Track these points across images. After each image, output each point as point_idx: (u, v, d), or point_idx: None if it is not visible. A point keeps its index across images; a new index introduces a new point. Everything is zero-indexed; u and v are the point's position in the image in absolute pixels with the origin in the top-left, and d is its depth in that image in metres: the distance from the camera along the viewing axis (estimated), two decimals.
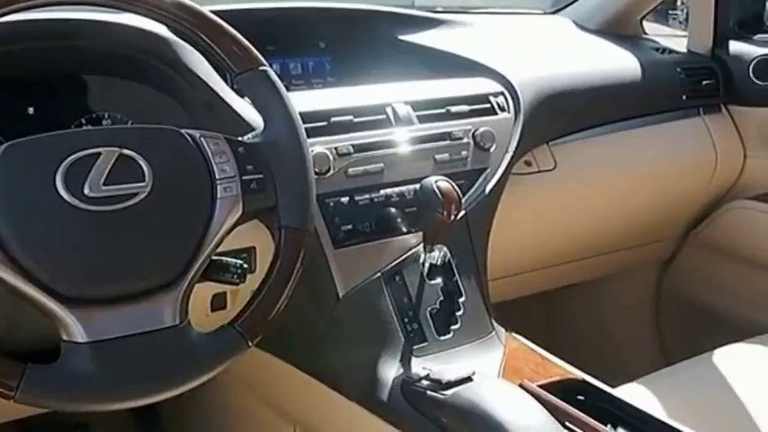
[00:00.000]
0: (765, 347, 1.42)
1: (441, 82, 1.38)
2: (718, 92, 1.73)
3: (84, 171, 0.84)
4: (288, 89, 1.00)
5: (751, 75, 1.71)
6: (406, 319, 1.15)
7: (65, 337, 0.82)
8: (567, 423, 1.03)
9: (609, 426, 1.03)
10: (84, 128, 1.13)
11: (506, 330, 1.25)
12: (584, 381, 1.15)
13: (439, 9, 1.80)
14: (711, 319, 1.80)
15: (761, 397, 1.28)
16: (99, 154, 0.85)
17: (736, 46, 1.76)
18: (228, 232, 0.91)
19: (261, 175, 0.93)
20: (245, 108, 1.11)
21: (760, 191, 1.73)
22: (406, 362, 1.13)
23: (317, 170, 1.13)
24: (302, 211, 0.95)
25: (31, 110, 1.13)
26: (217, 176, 0.90)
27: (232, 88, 1.14)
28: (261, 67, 0.97)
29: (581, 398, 1.13)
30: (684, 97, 1.69)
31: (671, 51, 1.78)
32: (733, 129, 1.74)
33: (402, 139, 1.24)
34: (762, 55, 1.71)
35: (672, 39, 1.89)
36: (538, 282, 1.73)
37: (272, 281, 0.93)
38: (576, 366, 1.19)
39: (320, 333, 1.17)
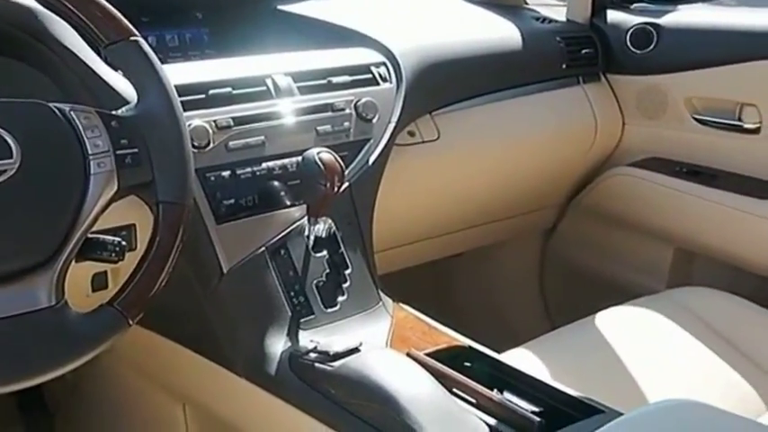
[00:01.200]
0: (645, 309, 1.46)
1: (322, 53, 1.36)
2: (596, 60, 1.77)
3: None
4: (165, 62, 0.98)
5: (628, 43, 1.74)
6: (292, 293, 1.14)
7: None
8: (453, 389, 1.05)
9: (495, 390, 1.04)
10: None
11: (393, 301, 1.26)
12: (470, 347, 1.16)
13: None
14: (594, 283, 1.85)
15: (639, 357, 1.32)
16: None
17: (613, 15, 1.80)
18: (104, 209, 0.89)
19: (136, 150, 0.90)
20: (117, 81, 1.06)
21: (638, 157, 1.78)
22: (293, 335, 1.12)
23: (196, 144, 1.11)
24: (180, 185, 0.93)
25: None
26: (89, 152, 0.87)
27: (105, 61, 1.10)
28: (132, 38, 0.94)
29: (468, 364, 1.14)
30: (564, 66, 1.71)
31: (551, 21, 1.80)
32: (612, 97, 1.78)
33: (283, 111, 1.22)
34: (638, 24, 1.74)
35: (552, 8, 1.92)
36: (425, 251, 1.74)
37: (151, 257, 0.91)
38: (465, 333, 1.20)
39: (205, 309, 1.15)
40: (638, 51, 1.73)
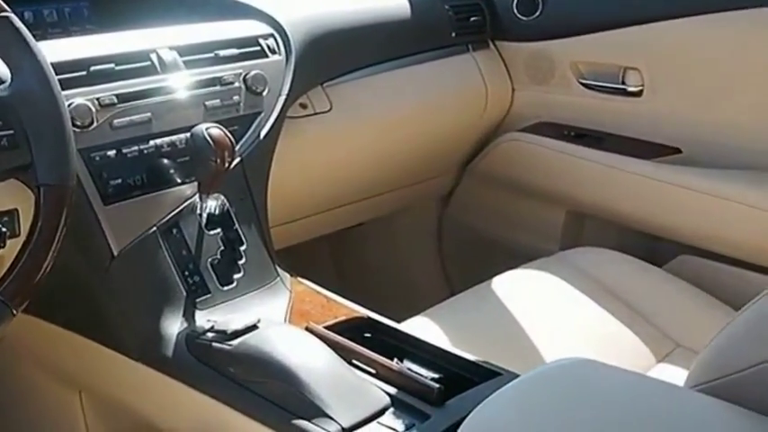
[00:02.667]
0: (539, 272, 1.49)
1: (207, 25, 1.33)
2: (485, 28, 1.78)
3: None
4: (44, 38, 0.94)
5: (515, 10, 1.76)
6: (186, 272, 1.13)
7: None
8: (353, 361, 1.05)
9: (395, 359, 1.05)
10: None
11: (291, 275, 1.25)
12: (369, 318, 1.17)
13: None
14: (491, 247, 1.88)
15: (535, 319, 1.35)
16: None
17: None
18: None
19: (11, 131, 0.88)
20: None
21: (528, 122, 1.81)
22: (189, 315, 1.10)
23: (78, 123, 1.07)
24: (60, 167, 0.90)
25: None
26: None
27: None
28: (2, 14, 0.90)
29: (368, 335, 1.15)
30: (453, 34, 1.72)
31: None
32: (501, 64, 1.81)
33: (169, 86, 1.19)
34: None
35: None
36: (324, 224, 1.74)
37: (34, 243, 0.89)
38: (366, 305, 1.21)
39: (96, 294, 1.12)
40: (525, 18, 1.76)
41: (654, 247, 1.72)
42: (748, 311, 0.79)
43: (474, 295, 1.43)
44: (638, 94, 1.66)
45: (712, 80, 1.58)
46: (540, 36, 1.74)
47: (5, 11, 0.90)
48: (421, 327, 1.26)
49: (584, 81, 1.72)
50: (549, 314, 1.38)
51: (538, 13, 1.73)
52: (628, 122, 1.68)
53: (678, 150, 1.63)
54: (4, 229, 0.89)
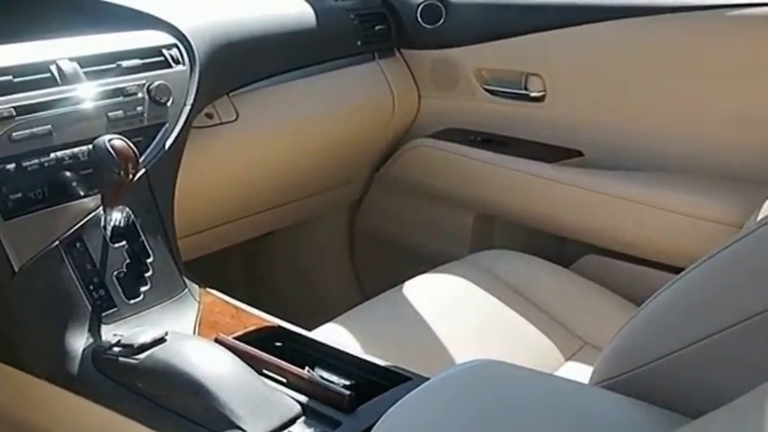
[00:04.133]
0: (449, 275, 1.51)
1: (109, 36, 1.31)
2: (390, 36, 1.80)
3: None
4: None
5: (419, 19, 1.79)
6: (91, 287, 1.11)
7: None
8: (263, 370, 1.05)
9: (306, 368, 1.05)
10: None
11: (200, 286, 1.24)
12: (279, 327, 1.17)
13: None
14: (401, 252, 1.90)
15: (446, 322, 1.36)
16: None
17: None
18: None
19: None
20: None
21: (435, 128, 1.83)
22: (94, 330, 1.08)
23: None
24: None
25: None
26: None
27: None
28: None
29: (278, 344, 1.15)
30: (359, 43, 1.74)
31: None
32: (407, 71, 1.83)
33: (70, 97, 1.17)
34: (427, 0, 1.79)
35: None
36: (234, 233, 1.72)
37: None
38: (279, 313, 1.20)
39: None
40: (429, 26, 1.78)
41: (561, 248, 1.76)
42: (648, 308, 0.82)
43: (385, 300, 1.43)
44: (541, 99, 1.70)
45: (607, 85, 1.63)
46: (444, 44, 1.77)
47: None
48: (332, 333, 1.26)
49: (488, 87, 1.75)
50: (460, 317, 1.40)
51: (441, 21, 1.76)
52: (532, 127, 1.72)
53: (580, 153, 1.68)
54: None
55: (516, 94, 1.72)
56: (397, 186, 1.88)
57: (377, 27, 1.77)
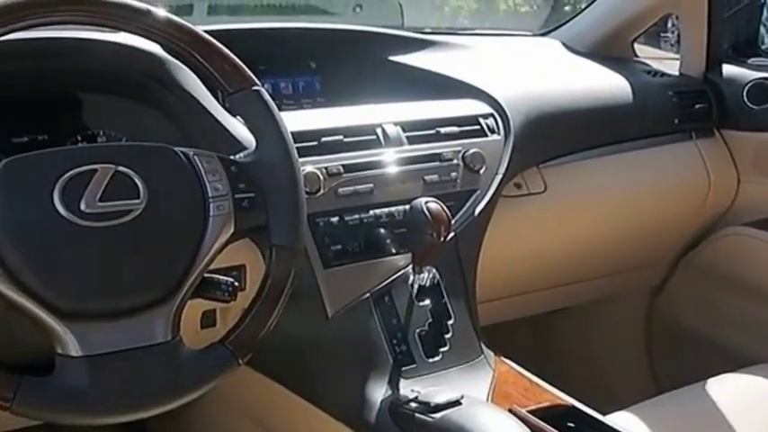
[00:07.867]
0: (758, 378, 1.40)
1: (430, 103, 1.37)
2: (710, 116, 1.73)
3: (80, 187, 0.85)
4: (279, 108, 1.00)
5: (745, 99, 1.70)
6: (394, 341, 1.14)
7: (59, 351, 0.83)
8: None
9: None
10: (80, 145, 1.13)
11: (495, 354, 1.24)
12: (574, 407, 1.14)
13: (427, 30, 1.81)
14: (703, 346, 1.78)
15: (752, 429, 1.26)
16: (95, 171, 0.86)
17: (729, 69, 1.76)
18: (220, 250, 0.91)
19: (252, 194, 0.93)
20: (237, 127, 1.10)
21: (754, 217, 1.72)
22: (394, 384, 1.11)
23: (307, 190, 1.12)
24: (293, 230, 0.95)
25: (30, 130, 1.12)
26: (210, 194, 0.90)
27: (224, 107, 1.14)
28: (254, 87, 0.97)
29: (571, 425, 1.11)
30: (677, 121, 1.68)
31: (663, 74, 1.77)
32: (726, 153, 1.74)
33: (392, 159, 1.23)
34: (756, 79, 1.70)
35: (663, 61, 1.89)
36: (527, 305, 1.72)
37: (263, 299, 0.93)
38: (565, 391, 1.17)
39: (308, 352, 1.16)
40: (756, 107, 1.68)
41: None
42: None
43: (686, 395, 1.35)
44: None
45: None
46: None
47: (256, 84, 0.97)
48: (627, 422, 1.21)
49: None
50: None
51: None
52: None
53: None
54: (236, 283, 0.94)
55: None
56: (705, 275, 1.78)
57: (696, 105, 1.70)
